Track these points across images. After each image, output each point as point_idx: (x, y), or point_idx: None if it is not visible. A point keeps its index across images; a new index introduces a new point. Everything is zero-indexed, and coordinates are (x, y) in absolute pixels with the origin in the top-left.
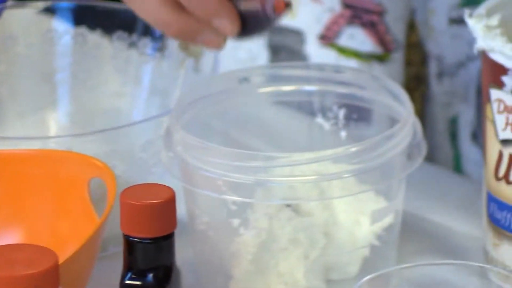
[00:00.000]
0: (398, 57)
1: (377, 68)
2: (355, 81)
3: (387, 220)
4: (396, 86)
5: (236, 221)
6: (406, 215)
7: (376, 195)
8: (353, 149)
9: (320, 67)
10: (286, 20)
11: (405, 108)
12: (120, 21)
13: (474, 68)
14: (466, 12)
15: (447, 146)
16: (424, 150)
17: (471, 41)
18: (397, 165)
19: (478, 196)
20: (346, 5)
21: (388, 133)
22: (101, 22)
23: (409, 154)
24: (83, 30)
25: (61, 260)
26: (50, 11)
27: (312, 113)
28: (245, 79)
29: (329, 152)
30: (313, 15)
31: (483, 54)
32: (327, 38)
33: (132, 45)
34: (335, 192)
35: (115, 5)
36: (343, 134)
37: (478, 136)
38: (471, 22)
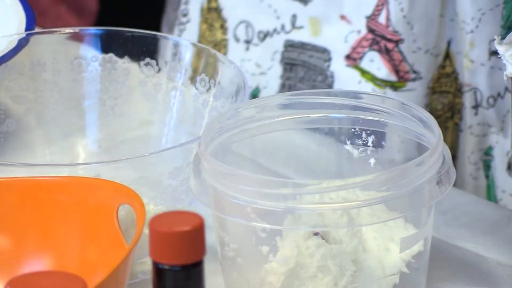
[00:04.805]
0: (416, 88)
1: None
2: (384, 108)
3: (417, 247)
4: (425, 113)
5: (265, 248)
6: (436, 242)
7: (405, 222)
8: (382, 177)
9: (349, 94)
10: (307, 37)
11: (434, 135)
12: (148, 48)
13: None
14: (496, 38)
15: (480, 177)
16: (453, 177)
17: None
18: (426, 192)
19: (508, 223)
20: (369, 29)
21: (418, 160)
22: (129, 48)
23: (438, 181)
24: (111, 56)
25: (90, 287)
26: (78, 37)
27: (340, 140)
28: (273, 106)
29: (358, 179)
30: (341, 35)
31: None
32: (352, 59)
33: (160, 71)
34: (364, 220)
35: (143, 32)
36: (372, 161)
37: None
38: (501, 49)
